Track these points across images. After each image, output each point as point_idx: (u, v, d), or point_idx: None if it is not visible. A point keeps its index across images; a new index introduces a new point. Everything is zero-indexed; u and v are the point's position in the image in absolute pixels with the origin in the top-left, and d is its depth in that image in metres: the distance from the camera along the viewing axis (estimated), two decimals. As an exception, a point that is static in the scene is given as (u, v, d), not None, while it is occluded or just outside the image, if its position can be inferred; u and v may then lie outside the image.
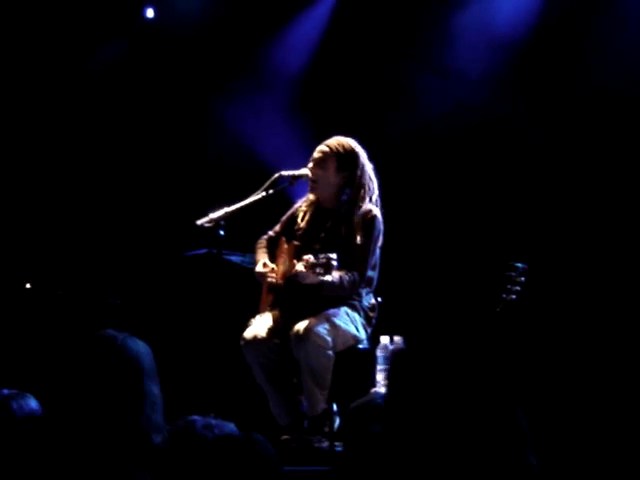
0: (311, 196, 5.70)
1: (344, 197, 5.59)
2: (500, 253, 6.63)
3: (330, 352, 5.32)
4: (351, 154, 5.61)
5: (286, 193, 5.84)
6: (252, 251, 5.80)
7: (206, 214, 5.39)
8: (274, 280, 5.55)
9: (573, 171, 7.15)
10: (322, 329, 5.29)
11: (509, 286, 5.81)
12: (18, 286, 7.18)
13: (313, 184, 5.62)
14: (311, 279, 5.21)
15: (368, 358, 5.54)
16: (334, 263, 5.09)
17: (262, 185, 5.53)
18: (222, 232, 5.38)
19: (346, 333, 5.42)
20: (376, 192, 5.66)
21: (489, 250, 7.13)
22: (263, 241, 5.80)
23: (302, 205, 5.76)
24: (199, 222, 5.38)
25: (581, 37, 7.09)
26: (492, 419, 2.64)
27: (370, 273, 5.52)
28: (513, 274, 5.83)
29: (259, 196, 5.52)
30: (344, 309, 5.45)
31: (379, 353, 5.48)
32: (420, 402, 2.55)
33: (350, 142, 5.65)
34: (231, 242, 5.53)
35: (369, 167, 5.66)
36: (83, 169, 8.00)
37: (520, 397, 2.87)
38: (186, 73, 8.00)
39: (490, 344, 5.78)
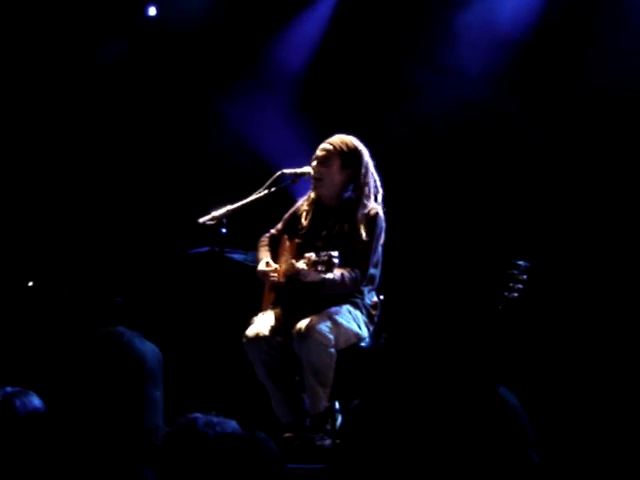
0: (313, 194, 5.70)
1: (347, 195, 5.59)
2: (502, 251, 6.63)
3: (332, 350, 5.32)
4: (354, 152, 5.61)
5: (288, 191, 5.85)
6: (254, 249, 5.81)
7: (208, 212, 5.40)
8: (276, 279, 5.55)
9: (574, 169, 7.15)
10: (324, 327, 5.29)
11: (511, 284, 5.81)
12: (21, 284, 7.18)
13: (316, 182, 5.62)
14: (313, 277, 5.21)
15: (370, 356, 5.54)
16: (335, 261, 5.09)
17: (264, 183, 5.53)
18: (224, 230, 5.39)
19: (348, 331, 5.42)
20: (380, 190, 5.66)
21: (491, 248, 7.13)
22: (265, 239, 5.80)
23: (304, 203, 5.76)
24: (201, 220, 5.38)
25: (582, 36, 7.09)
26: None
27: (372, 271, 5.52)
28: (515, 272, 5.84)
29: (261, 194, 5.52)
30: (346, 307, 5.45)
31: None
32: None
33: (353, 140, 5.65)
34: (233, 240, 5.53)
35: (371, 164, 5.66)
36: (86, 168, 8.01)
37: (522, 395, 2.88)
38: (188, 71, 8.00)
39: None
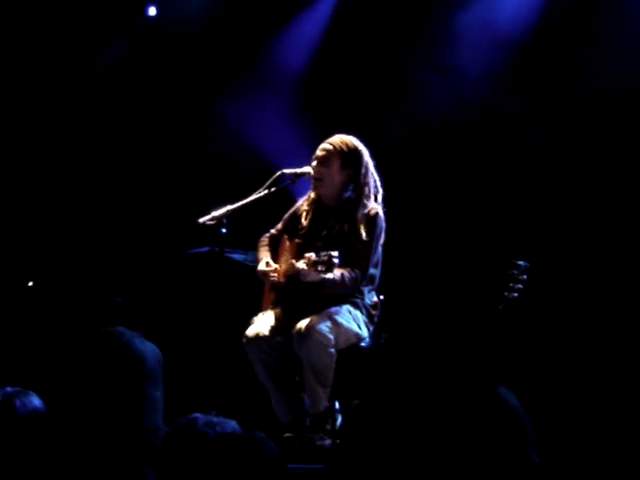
0: (313, 194, 5.70)
1: (347, 195, 5.59)
2: (502, 251, 6.63)
3: (332, 350, 5.32)
4: (354, 152, 5.61)
5: (288, 191, 5.85)
6: (254, 249, 5.81)
7: (208, 212, 5.40)
8: (276, 279, 5.55)
9: (574, 169, 7.15)
10: (324, 327, 5.29)
11: (511, 284, 5.81)
12: (21, 284, 7.19)
13: (316, 182, 5.62)
14: (313, 277, 5.21)
15: (370, 356, 5.54)
16: (335, 260, 5.09)
17: (264, 183, 5.53)
18: (224, 230, 5.39)
19: (348, 331, 5.41)
20: (380, 190, 5.67)
21: (491, 248, 7.13)
22: (265, 239, 5.80)
23: (304, 203, 5.76)
24: (201, 220, 5.38)
25: (582, 36, 7.09)
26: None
27: (372, 271, 5.52)
28: (515, 272, 5.84)
29: (261, 194, 5.52)
30: (346, 307, 5.45)
31: None
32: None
33: (353, 140, 5.65)
34: (233, 240, 5.54)
35: (372, 165, 5.66)
36: (86, 168, 8.01)
37: (522, 395, 2.88)
38: (188, 72, 8.00)
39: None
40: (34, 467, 2.63)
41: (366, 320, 5.54)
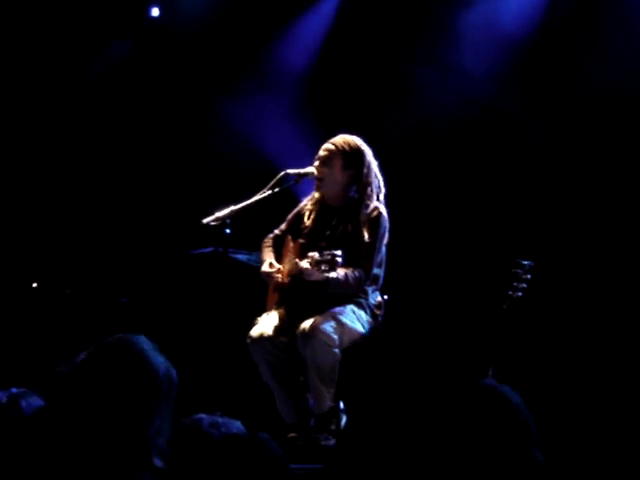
0: (316, 194, 5.71)
1: (350, 195, 5.60)
2: (506, 250, 6.63)
3: (336, 350, 5.32)
4: (357, 152, 5.61)
5: (292, 191, 5.85)
6: (258, 249, 5.81)
7: (212, 213, 5.40)
8: (280, 279, 5.55)
9: (578, 168, 7.15)
10: (328, 327, 5.30)
11: (515, 283, 5.80)
12: (25, 285, 7.19)
13: (319, 182, 5.62)
14: (316, 276, 5.22)
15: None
16: (339, 260, 5.10)
17: (268, 183, 5.54)
18: (228, 230, 5.39)
19: (352, 331, 5.42)
20: (383, 190, 5.67)
21: (495, 247, 7.13)
22: (269, 240, 5.81)
23: (308, 203, 5.77)
24: (205, 221, 5.39)
25: (584, 36, 7.09)
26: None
27: (376, 271, 5.52)
28: (519, 271, 5.83)
29: (265, 194, 5.53)
30: (350, 307, 5.45)
31: None
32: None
33: (356, 140, 5.66)
34: (237, 240, 5.54)
35: (375, 165, 5.66)
36: (90, 168, 8.02)
37: (526, 394, 2.88)
38: (192, 72, 8.01)
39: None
40: (38, 469, 2.64)
41: (370, 320, 5.54)
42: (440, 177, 7.50)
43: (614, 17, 7.02)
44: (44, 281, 7.25)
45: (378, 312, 5.62)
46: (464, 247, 7.36)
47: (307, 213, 5.73)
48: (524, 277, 5.82)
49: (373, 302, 5.59)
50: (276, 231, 5.84)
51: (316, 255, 5.18)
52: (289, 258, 5.59)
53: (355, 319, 5.44)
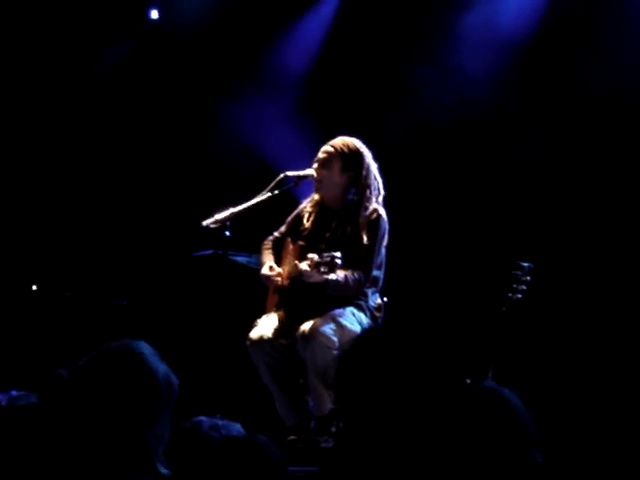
0: (316, 196, 5.71)
1: (349, 197, 5.59)
2: (506, 252, 6.63)
3: (336, 352, 5.32)
4: (356, 154, 5.61)
5: (291, 193, 5.85)
6: (258, 252, 5.81)
7: (212, 215, 5.40)
8: (280, 282, 5.55)
9: (577, 170, 7.15)
10: (328, 329, 5.30)
11: (515, 285, 5.81)
12: (25, 288, 7.19)
13: (318, 184, 5.62)
14: (316, 278, 5.22)
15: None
16: (338, 261, 5.10)
17: (267, 186, 5.54)
18: (228, 233, 5.40)
19: (352, 333, 5.41)
20: (382, 192, 5.67)
21: (495, 249, 7.13)
22: (269, 242, 5.81)
23: (307, 205, 5.77)
24: (205, 223, 5.39)
25: (583, 39, 7.10)
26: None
27: (375, 273, 5.52)
28: (519, 273, 5.83)
29: (265, 197, 5.53)
30: (350, 309, 5.45)
31: None
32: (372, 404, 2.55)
33: (355, 142, 5.65)
34: (237, 243, 5.54)
35: (374, 167, 5.66)
36: (89, 171, 8.02)
37: (526, 396, 2.88)
38: (191, 74, 8.01)
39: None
40: (39, 473, 2.64)
41: (370, 322, 5.54)
42: (440, 179, 7.50)
43: (613, 19, 7.03)
44: (44, 284, 7.25)
45: (378, 314, 5.62)
46: (464, 249, 7.36)
47: (306, 215, 5.73)
48: (524, 279, 5.83)
49: (373, 304, 5.59)
50: (276, 233, 5.84)
51: (315, 257, 5.18)
52: (289, 260, 5.59)
53: (355, 321, 5.44)
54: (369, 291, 5.55)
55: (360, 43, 7.72)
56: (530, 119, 7.26)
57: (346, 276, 5.32)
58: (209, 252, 5.78)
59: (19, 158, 7.93)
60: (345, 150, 5.59)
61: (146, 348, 2.75)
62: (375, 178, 5.64)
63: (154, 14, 8.16)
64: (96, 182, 8.01)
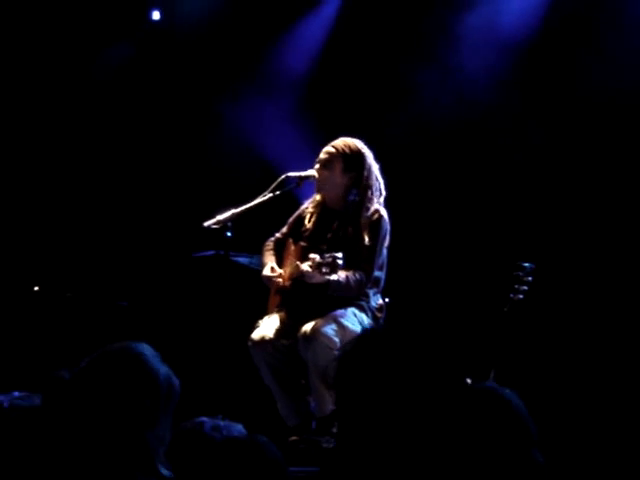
0: (317, 197, 5.71)
1: (351, 198, 5.59)
2: (507, 253, 6.63)
3: (338, 352, 5.31)
4: (357, 155, 5.61)
5: (293, 194, 5.85)
6: (259, 252, 5.81)
7: (213, 216, 5.41)
8: (281, 283, 5.56)
9: (578, 170, 7.15)
10: (330, 330, 5.30)
11: (516, 286, 5.81)
12: (27, 289, 7.20)
13: (319, 185, 5.63)
14: (317, 278, 5.22)
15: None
16: (340, 262, 5.10)
17: (269, 186, 5.54)
18: (229, 233, 5.40)
19: (354, 334, 5.40)
20: (383, 193, 5.67)
21: (496, 250, 7.13)
22: (270, 243, 5.81)
23: (309, 206, 5.77)
24: (206, 224, 5.39)
25: (584, 40, 7.10)
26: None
27: (377, 273, 5.52)
28: (520, 274, 5.84)
29: (266, 197, 5.53)
30: (351, 310, 5.45)
31: None
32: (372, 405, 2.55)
33: (356, 143, 5.66)
34: (238, 243, 5.54)
35: (376, 167, 5.66)
36: (90, 172, 8.03)
37: (527, 396, 2.88)
38: (193, 75, 8.02)
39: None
40: (40, 475, 2.64)
41: (371, 323, 5.54)
42: (441, 179, 7.50)
43: (614, 19, 7.03)
44: (45, 284, 7.25)
45: (379, 315, 5.62)
46: (465, 249, 7.36)
47: (308, 216, 5.73)
48: (525, 279, 5.83)
49: (374, 305, 5.59)
50: (277, 234, 5.84)
51: (317, 257, 5.18)
52: (290, 261, 5.59)
53: (356, 322, 5.44)
54: (370, 292, 5.55)
55: (361, 44, 7.72)
56: (531, 119, 7.26)
57: (347, 277, 5.32)
58: (210, 253, 5.78)
59: (21, 159, 7.94)
60: (347, 151, 5.60)
61: (147, 349, 2.75)
62: (377, 179, 5.64)
63: (156, 15, 8.17)
64: (98, 183, 8.02)
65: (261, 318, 5.63)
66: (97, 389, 2.65)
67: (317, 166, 5.63)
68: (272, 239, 5.83)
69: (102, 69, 8.05)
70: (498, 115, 7.34)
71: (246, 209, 5.45)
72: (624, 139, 7.03)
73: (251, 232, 5.70)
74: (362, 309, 5.51)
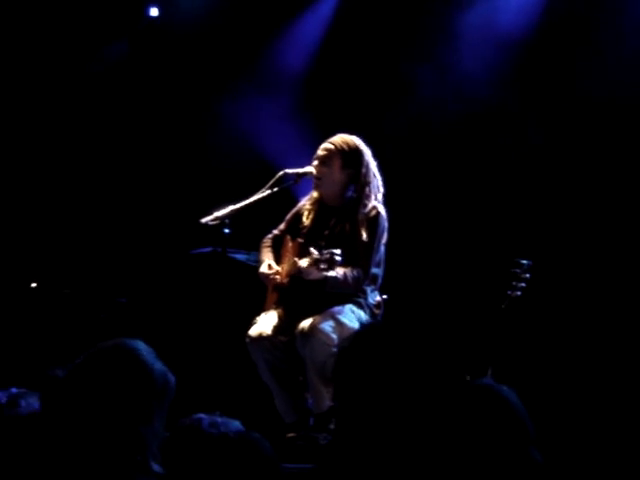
0: (315, 194, 5.71)
1: (349, 194, 5.60)
2: (505, 250, 6.64)
3: (335, 349, 5.32)
4: (355, 152, 5.61)
5: (291, 191, 5.85)
6: (257, 249, 5.81)
7: (211, 212, 5.41)
8: (279, 280, 5.56)
9: (576, 168, 7.16)
10: (327, 326, 5.30)
11: (514, 283, 5.82)
12: (24, 285, 7.20)
13: (317, 182, 5.63)
14: (315, 275, 5.23)
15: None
16: (338, 258, 5.10)
17: (267, 183, 5.54)
18: (227, 230, 5.40)
19: (351, 330, 5.40)
20: (381, 189, 5.67)
21: (494, 247, 7.14)
22: (268, 240, 5.81)
23: (306, 203, 5.77)
24: (204, 220, 5.39)
25: (582, 37, 7.10)
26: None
27: (374, 270, 5.53)
28: (518, 271, 5.84)
29: (264, 194, 5.53)
30: (349, 306, 5.46)
31: None
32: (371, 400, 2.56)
33: (354, 140, 5.66)
34: (236, 240, 5.54)
35: (373, 164, 5.66)
36: (88, 169, 8.02)
37: (524, 394, 2.88)
38: (190, 72, 8.01)
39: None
40: (36, 473, 2.64)
41: (369, 319, 5.54)
42: (439, 176, 7.51)
43: (612, 17, 7.03)
44: (43, 281, 7.25)
45: (377, 311, 5.62)
46: (463, 246, 7.37)
47: (306, 213, 5.73)
48: (523, 276, 5.84)
49: (372, 302, 5.59)
50: (275, 231, 5.84)
51: (315, 253, 5.18)
52: (288, 258, 5.59)
53: (354, 318, 5.44)
54: (368, 288, 5.55)
55: (359, 41, 7.72)
56: (529, 117, 7.26)
57: (345, 273, 5.33)
58: (208, 249, 5.78)
59: (17, 156, 7.93)
60: (345, 147, 5.60)
61: (141, 346, 2.75)
62: (374, 176, 5.64)
63: (154, 12, 8.16)
64: (95, 180, 8.02)
65: (259, 315, 5.63)
66: (91, 385, 2.66)
67: (315, 163, 5.63)
68: (270, 236, 5.83)
69: (99, 66, 8.04)
70: (496, 113, 7.34)
71: (244, 206, 5.45)
72: (622, 137, 7.04)
73: (249, 229, 5.69)
74: (360, 306, 5.51)
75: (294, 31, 7.95)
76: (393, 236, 5.66)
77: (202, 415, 2.93)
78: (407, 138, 7.43)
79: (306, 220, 5.70)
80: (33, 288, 7.18)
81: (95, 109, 8.04)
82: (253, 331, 5.50)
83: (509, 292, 5.82)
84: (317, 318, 5.32)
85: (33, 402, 2.95)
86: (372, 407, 2.54)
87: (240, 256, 5.95)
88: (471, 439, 2.66)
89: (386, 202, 5.66)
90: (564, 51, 7.20)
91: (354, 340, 2.74)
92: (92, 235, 7.96)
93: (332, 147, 5.61)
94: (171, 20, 8.10)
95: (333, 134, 5.70)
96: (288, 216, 5.84)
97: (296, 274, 5.39)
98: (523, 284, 5.82)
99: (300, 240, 5.60)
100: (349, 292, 5.45)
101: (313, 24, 7.93)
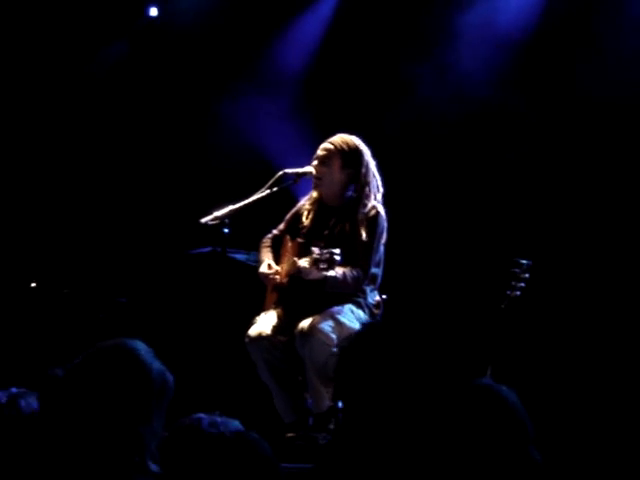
0: (315, 194, 5.71)
1: (348, 194, 5.60)
2: (505, 249, 6.64)
3: (335, 349, 5.32)
4: (355, 151, 5.61)
5: (290, 191, 5.85)
6: (256, 249, 5.81)
7: (211, 212, 5.41)
8: (278, 280, 5.56)
9: (576, 167, 7.16)
10: (327, 326, 5.30)
11: (513, 283, 5.82)
12: (24, 285, 7.20)
13: (317, 181, 5.63)
14: (315, 274, 5.23)
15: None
16: (337, 258, 5.10)
17: (266, 183, 5.54)
18: (226, 230, 5.40)
19: (351, 330, 5.41)
20: (381, 189, 5.67)
21: (494, 246, 7.14)
22: (267, 240, 5.81)
23: (306, 203, 5.77)
24: (203, 220, 5.39)
25: (582, 37, 7.10)
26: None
27: (374, 270, 5.53)
28: (517, 271, 5.84)
29: (263, 194, 5.53)
30: (349, 306, 5.46)
31: None
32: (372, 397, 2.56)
33: (354, 140, 5.66)
34: (236, 240, 5.54)
35: (373, 164, 5.66)
36: (88, 169, 8.02)
37: (524, 393, 2.89)
38: (190, 72, 8.01)
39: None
40: (35, 472, 2.64)
41: (369, 319, 5.55)
42: (438, 176, 7.51)
43: (611, 17, 7.03)
44: (43, 281, 7.25)
45: (376, 311, 5.62)
46: (462, 246, 7.37)
47: (305, 213, 5.73)
48: (522, 276, 5.84)
49: (371, 301, 5.59)
50: (274, 231, 5.84)
51: (315, 253, 5.18)
52: (287, 258, 5.59)
53: (354, 318, 5.44)
54: (368, 288, 5.55)
55: (358, 41, 7.72)
56: (529, 117, 7.26)
57: (345, 273, 5.33)
58: (208, 249, 5.78)
59: (17, 156, 7.93)
60: (344, 147, 5.60)
61: (140, 345, 2.75)
62: (374, 175, 5.64)
63: (153, 11, 8.16)
64: (95, 180, 8.02)
65: (258, 315, 5.63)
66: (90, 385, 2.66)
67: (315, 163, 5.63)
68: (269, 236, 5.83)
69: (99, 66, 8.04)
70: (496, 113, 7.34)
71: (243, 206, 5.45)
72: (622, 137, 7.04)
73: (248, 229, 5.69)
74: (359, 306, 5.51)
75: (294, 31, 7.95)
76: (393, 236, 5.66)
77: (201, 415, 2.93)
78: (407, 138, 7.43)
79: (306, 220, 5.70)
80: (33, 288, 7.18)
81: (95, 109, 8.04)
82: (252, 331, 5.50)
83: (508, 292, 5.82)
84: (316, 318, 5.32)
85: (33, 402, 2.96)
86: (372, 407, 2.54)
87: (240, 256, 5.95)
88: (471, 439, 2.67)
89: (386, 202, 5.66)
90: (564, 51, 7.20)
91: (355, 340, 2.74)
92: (92, 235, 7.96)
93: (332, 147, 5.61)
94: (171, 20, 8.11)
95: (333, 134, 5.70)
96: (288, 216, 5.84)
97: (296, 274, 5.39)
98: (522, 284, 5.82)
99: (300, 240, 5.60)
100: (349, 292, 5.45)
101: (313, 24, 7.93)
